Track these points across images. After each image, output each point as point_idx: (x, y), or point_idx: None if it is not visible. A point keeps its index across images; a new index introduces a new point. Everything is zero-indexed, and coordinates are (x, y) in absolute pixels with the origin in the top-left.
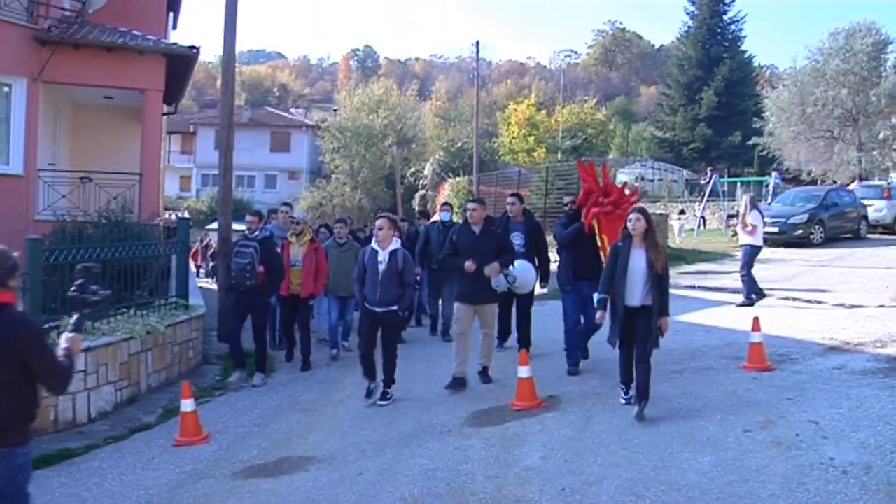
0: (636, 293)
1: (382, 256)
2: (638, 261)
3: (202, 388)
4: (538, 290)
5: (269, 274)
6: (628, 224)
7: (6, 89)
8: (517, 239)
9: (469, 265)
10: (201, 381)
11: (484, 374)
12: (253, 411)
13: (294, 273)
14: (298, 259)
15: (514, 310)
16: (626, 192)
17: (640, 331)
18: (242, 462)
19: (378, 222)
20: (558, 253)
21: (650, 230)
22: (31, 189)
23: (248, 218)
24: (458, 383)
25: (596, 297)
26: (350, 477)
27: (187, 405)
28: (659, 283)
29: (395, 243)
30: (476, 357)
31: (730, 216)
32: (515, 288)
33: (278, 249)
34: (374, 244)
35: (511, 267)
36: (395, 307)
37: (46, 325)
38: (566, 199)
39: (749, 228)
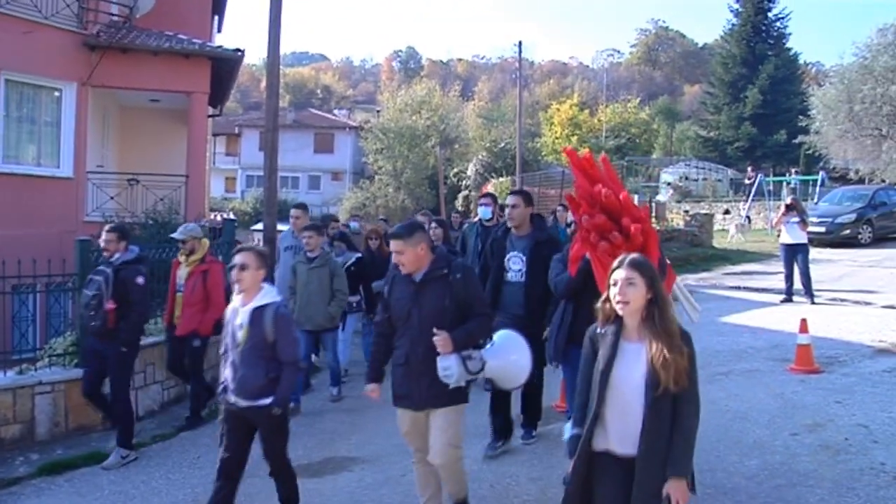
0: (624, 430)
1: (242, 317)
2: (630, 367)
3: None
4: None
5: (124, 312)
6: (611, 292)
7: (56, 94)
8: (515, 263)
9: (442, 342)
10: None
11: None
12: (298, 411)
13: (179, 303)
14: (181, 284)
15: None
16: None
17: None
18: None
19: (292, 211)
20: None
21: (656, 303)
22: (80, 191)
23: (104, 236)
24: None
25: (567, 432)
26: (394, 478)
27: None
28: (668, 412)
29: (268, 295)
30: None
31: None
32: (491, 381)
33: (140, 280)
34: (234, 296)
35: (486, 342)
36: (264, 401)
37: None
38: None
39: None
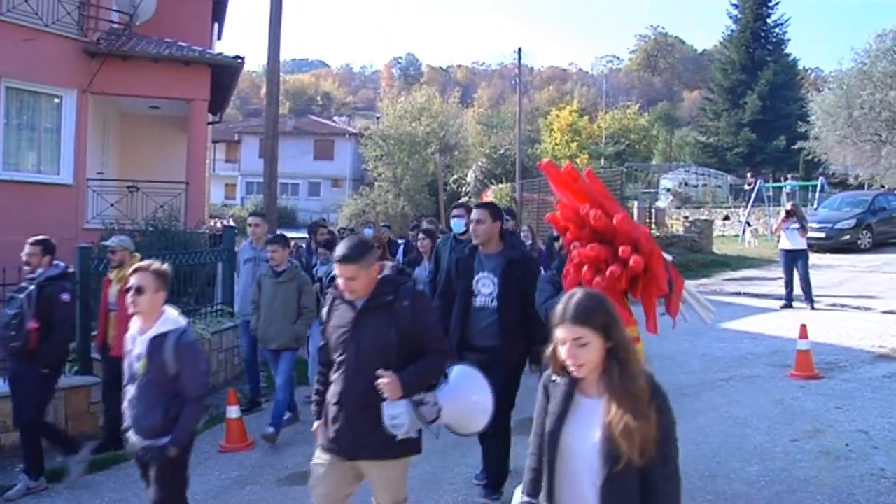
0: None
1: (140, 347)
2: (583, 430)
3: (247, 395)
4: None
5: (46, 332)
6: (559, 350)
7: (57, 101)
8: (485, 286)
9: (389, 386)
10: (247, 387)
11: None
12: (296, 419)
13: (112, 322)
14: (113, 302)
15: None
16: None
17: None
18: (287, 469)
19: (250, 219)
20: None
21: (616, 355)
22: (80, 198)
23: (27, 249)
24: None
25: (515, 499)
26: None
27: (233, 412)
28: (632, 491)
29: (169, 321)
30: None
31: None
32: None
33: (65, 297)
34: (132, 327)
35: (440, 383)
36: (161, 441)
37: (94, 333)
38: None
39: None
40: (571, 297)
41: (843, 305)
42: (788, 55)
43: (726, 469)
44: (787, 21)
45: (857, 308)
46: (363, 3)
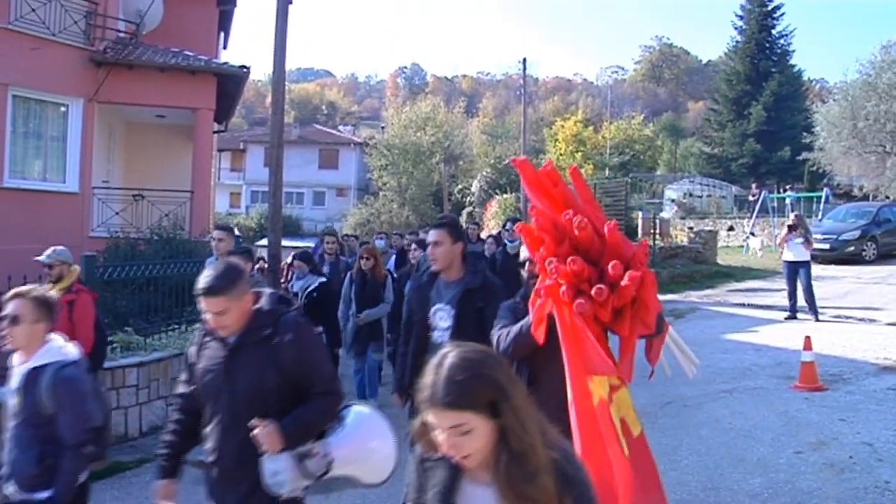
0: None
1: (17, 379)
2: None
3: None
4: None
5: None
6: (436, 436)
7: (63, 109)
8: (442, 319)
9: (266, 437)
10: None
11: None
12: None
13: None
14: None
15: None
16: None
17: None
18: None
19: (215, 233)
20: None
21: (506, 443)
22: (85, 206)
23: None
24: None
25: None
26: (399, 491)
27: None
28: None
29: (52, 352)
30: None
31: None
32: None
33: None
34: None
35: (332, 429)
36: (40, 495)
37: None
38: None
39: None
40: (440, 368)
41: (847, 317)
42: (793, 66)
43: (729, 481)
44: (791, 32)
45: (862, 320)
46: (368, 13)
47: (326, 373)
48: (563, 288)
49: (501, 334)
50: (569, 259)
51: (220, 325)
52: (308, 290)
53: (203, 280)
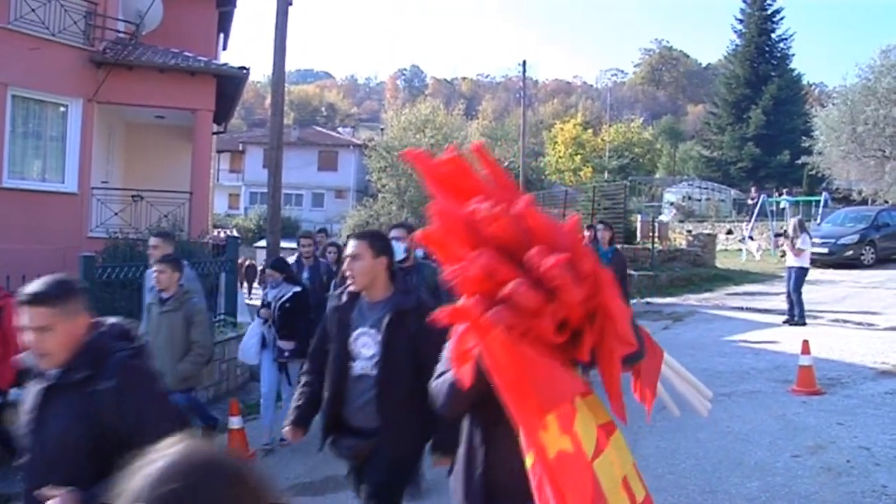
0: None
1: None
2: None
3: (249, 406)
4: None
5: None
6: None
7: (62, 109)
8: (366, 346)
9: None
10: (249, 398)
11: None
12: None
13: None
14: None
15: None
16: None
17: None
18: (289, 480)
19: (152, 240)
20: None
21: None
22: (84, 207)
23: None
24: None
25: None
26: None
27: (235, 422)
28: None
29: None
30: None
31: (777, 235)
32: None
33: None
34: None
35: None
36: None
37: None
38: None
39: (796, 252)
40: (135, 476)
41: (845, 321)
42: (793, 70)
43: (727, 484)
44: (791, 36)
45: (860, 324)
46: (368, 15)
47: (160, 429)
48: (473, 302)
49: (438, 384)
50: (472, 255)
51: (40, 348)
52: (281, 300)
53: (30, 286)
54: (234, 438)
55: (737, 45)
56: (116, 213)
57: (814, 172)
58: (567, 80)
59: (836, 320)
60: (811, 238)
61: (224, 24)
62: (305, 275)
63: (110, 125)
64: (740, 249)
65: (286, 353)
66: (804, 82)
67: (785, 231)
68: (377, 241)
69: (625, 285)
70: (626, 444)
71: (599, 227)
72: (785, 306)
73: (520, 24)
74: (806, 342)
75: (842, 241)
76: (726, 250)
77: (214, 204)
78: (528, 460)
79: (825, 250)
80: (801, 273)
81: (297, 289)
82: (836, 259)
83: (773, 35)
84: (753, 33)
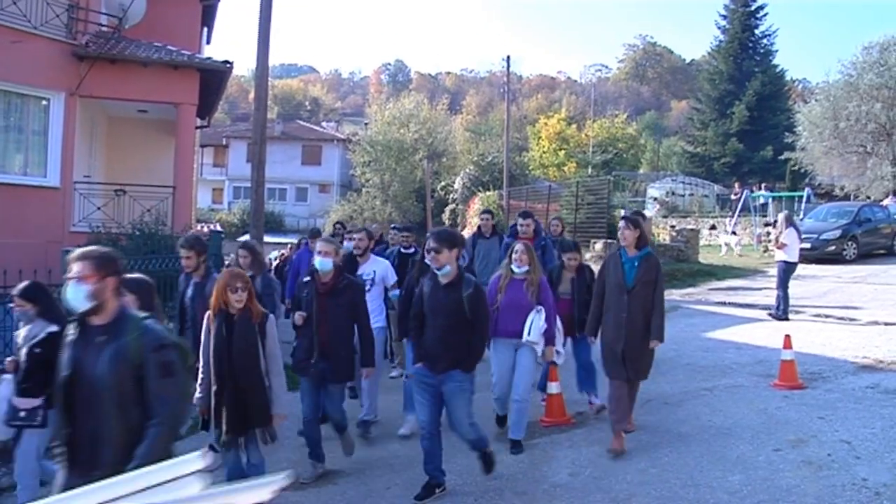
0: None
1: None
2: None
3: None
4: None
5: None
6: None
7: (45, 103)
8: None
9: None
10: None
11: None
12: (283, 424)
13: None
14: None
15: None
16: None
17: None
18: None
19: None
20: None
21: None
22: (67, 201)
23: None
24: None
25: None
26: (378, 491)
27: None
28: None
29: None
30: None
31: (766, 224)
32: None
33: None
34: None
35: None
36: None
37: None
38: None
39: (779, 245)
40: None
41: (827, 316)
42: (776, 66)
43: (708, 478)
44: (774, 32)
45: (842, 319)
46: (352, 10)
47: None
48: None
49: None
50: None
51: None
52: (32, 343)
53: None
54: None
55: (720, 41)
56: (99, 208)
57: (797, 168)
58: (551, 75)
59: (818, 315)
60: (799, 233)
61: (208, 19)
62: (259, 285)
63: (93, 119)
64: (720, 245)
65: (21, 414)
66: (787, 78)
67: (774, 222)
68: (104, 262)
69: (658, 290)
70: None
71: (554, 221)
72: (768, 301)
73: (504, 19)
74: (788, 337)
75: (824, 236)
76: (709, 245)
77: (198, 198)
78: None
79: (808, 245)
80: (785, 267)
81: (53, 329)
82: (819, 254)
83: (756, 31)
84: (737, 29)
